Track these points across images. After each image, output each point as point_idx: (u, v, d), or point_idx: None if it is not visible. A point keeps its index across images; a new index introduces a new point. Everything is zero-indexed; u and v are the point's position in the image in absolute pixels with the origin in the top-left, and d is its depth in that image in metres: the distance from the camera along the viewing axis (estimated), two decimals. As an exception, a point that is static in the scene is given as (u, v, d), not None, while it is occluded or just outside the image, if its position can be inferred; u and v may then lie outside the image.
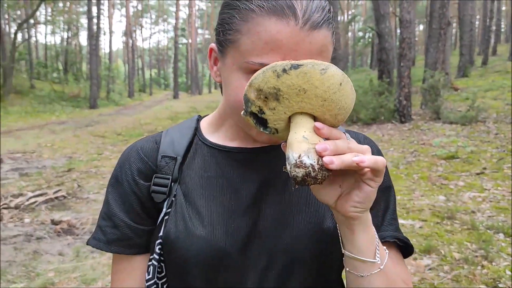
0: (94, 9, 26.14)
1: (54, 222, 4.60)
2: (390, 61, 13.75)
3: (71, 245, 4.08)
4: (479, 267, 3.49)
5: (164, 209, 0.75)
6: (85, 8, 41.15)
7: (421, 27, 51.25)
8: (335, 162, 0.53)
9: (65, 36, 41.32)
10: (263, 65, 0.62)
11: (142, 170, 0.78)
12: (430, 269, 3.52)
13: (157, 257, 0.75)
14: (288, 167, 0.56)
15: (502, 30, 44.31)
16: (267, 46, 0.62)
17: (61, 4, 33.72)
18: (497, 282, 3.25)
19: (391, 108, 11.94)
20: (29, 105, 21.30)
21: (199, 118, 0.87)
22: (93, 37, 25.05)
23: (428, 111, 12.03)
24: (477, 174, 6.32)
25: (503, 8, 41.79)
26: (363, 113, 12.06)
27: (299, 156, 0.55)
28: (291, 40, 0.62)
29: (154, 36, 66.87)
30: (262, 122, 0.60)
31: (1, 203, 5.33)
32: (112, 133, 13.16)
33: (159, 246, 0.74)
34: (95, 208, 5.35)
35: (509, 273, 3.38)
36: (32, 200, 5.48)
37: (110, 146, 10.69)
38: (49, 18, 34.31)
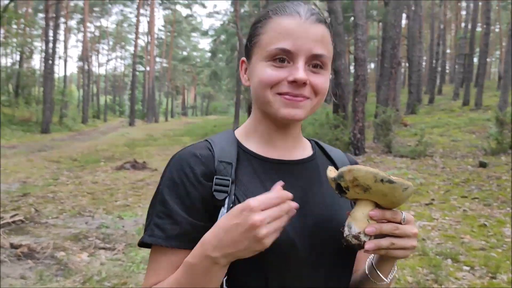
0: (51, 33, 25.67)
1: (13, 246, 4.49)
2: (345, 96, 14.38)
3: (33, 268, 4.01)
4: (430, 289, 3.75)
5: (226, 205, 0.85)
6: (40, 32, 40.33)
7: (372, 65, 53.61)
8: (372, 246, 0.78)
9: (17, 59, 40.09)
10: (278, 49, 0.85)
11: (205, 172, 0.88)
12: (386, 291, 3.74)
13: None
14: (346, 231, 0.81)
15: (447, 71, 47.21)
16: (281, 35, 0.86)
17: (15, 26, 32.89)
18: (447, 303, 3.51)
19: (346, 140, 12.41)
20: (-23, 128, 20.40)
21: (233, 130, 1.03)
22: (48, 60, 24.55)
23: (380, 145, 12.60)
24: (426, 204, 6.72)
25: (448, 51, 44.64)
26: (319, 145, 12.43)
27: (359, 232, 0.79)
28: (299, 29, 0.86)
29: (110, 62, 66.13)
30: (341, 190, 0.81)
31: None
32: (67, 158, 12.86)
33: None
34: (55, 232, 5.26)
35: (457, 295, 3.66)
36: (-12, 224, 5.31)
37: (66, 171, 10.45)
38: (1, 39, 33.27)
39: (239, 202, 0.84)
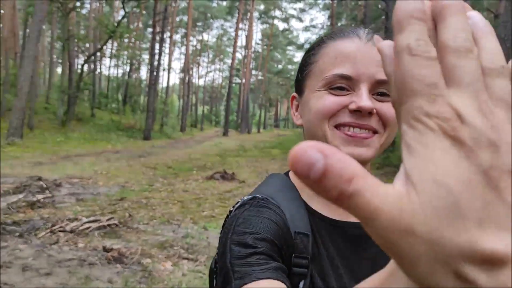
0: (157, 46, 27.55)
1: (105, 249, 4.78)
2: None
3: (120, 273, 4.23)
4: None
5: None
6: (148, 45, 43.64)
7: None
8: None
9: (127, 70, 43.64)
10: (336, 75, 0.71)
11: (283, 245, 0.68)
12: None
13: None
14: None
15: None
16: (338, 60, 0.72)
17: (126, 40, 35.83)
18: None
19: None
20: (88, 133, 22.42)
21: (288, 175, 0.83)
22: (153, 72, 26.33)
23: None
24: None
25: None
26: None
27: None
28: (359, 52, 0.71)
29: (209, 74, 69.27)
30: None
31: (58, 226, 5.62)
32: (163, 165, 13.57)
33: None
34: (144, 238, 5.52)
35: None
36: (86, 225, 5.73)
37: (161, 178, 11.02)
38: (114, 52, 36.48)
39: (312, 285, 0.69)
